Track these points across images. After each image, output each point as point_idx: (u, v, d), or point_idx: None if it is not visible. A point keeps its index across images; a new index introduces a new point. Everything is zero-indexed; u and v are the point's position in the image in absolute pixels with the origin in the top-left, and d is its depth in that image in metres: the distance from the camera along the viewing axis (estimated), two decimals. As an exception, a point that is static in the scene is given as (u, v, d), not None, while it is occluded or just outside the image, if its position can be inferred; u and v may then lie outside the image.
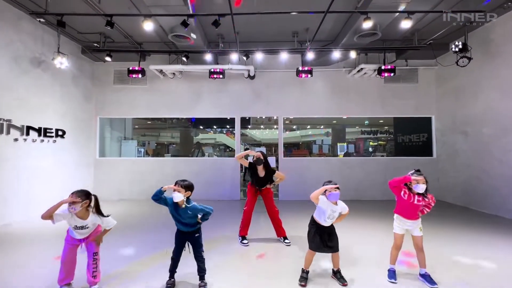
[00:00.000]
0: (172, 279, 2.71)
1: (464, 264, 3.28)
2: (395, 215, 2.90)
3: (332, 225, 2.85)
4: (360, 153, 11.82)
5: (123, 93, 7.79)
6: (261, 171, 3.98)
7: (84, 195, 2.43)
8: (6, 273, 3.04)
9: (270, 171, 3.98)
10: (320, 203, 2.75)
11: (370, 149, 13.72)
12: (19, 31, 5.27)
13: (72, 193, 2.40)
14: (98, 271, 2.56)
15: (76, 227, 2.46)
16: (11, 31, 5.11)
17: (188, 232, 2.68)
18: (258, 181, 4.02)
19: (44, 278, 2.85)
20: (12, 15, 5.12)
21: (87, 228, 2.49)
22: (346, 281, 2.74)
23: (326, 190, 2.74)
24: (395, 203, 2.92)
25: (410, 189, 2.77)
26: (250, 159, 4.28)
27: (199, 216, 2.62)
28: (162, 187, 2.58)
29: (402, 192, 2.79)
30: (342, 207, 2.79)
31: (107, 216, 2.56)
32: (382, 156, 9.70)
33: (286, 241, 3.97)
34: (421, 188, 2.69)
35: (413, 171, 2.80)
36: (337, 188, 2.73)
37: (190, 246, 2.72)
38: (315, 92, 7.76)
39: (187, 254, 2.70)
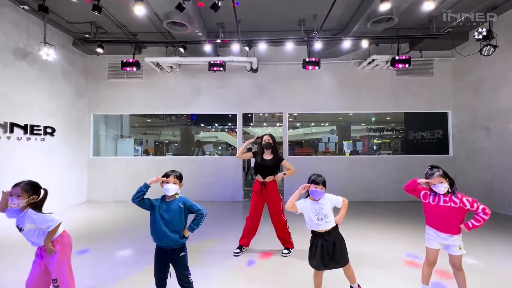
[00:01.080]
0: None
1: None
2: (427, 227, 2.43)
3: (335, 231, 2.34)
4: (365, 151, 11.33)
5: (118, 89, 7.33)
6: (268, 155, 3.59)
7: (32, 188, 1.89)
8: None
9: (278, 156, 3.60)
10: (300, 210, 2.38)
11: (374, 147, 13.24)
12: (0, 20, 4.82)
13: (15, 185, 1.85)
14: None
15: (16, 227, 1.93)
16: (-9, 19, 4.67)
17: (171, 249, 2.13)
18: (263, 166, 3.56)
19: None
20: (-9, 2, 4.68)
21: (22, 230, 1.92)
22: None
23: (308, 190, 2.37)
24: (413, 205, 2.44)
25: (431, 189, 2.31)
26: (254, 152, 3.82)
27: (193, 212, 2.18)
28: (146, 182, 2.14)
29: (422, 194, 2.34)
30: (327, 200, 2.38)
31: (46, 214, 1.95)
32: (388, 154, 9.18)
33: (284, 251, 3.51)
34: (440, 188, 2.22)
35: (428, 168, 2.34)
36: (320, 185, 2.34)
37: (172, 269, 2.18)
38: (323, 86, 7.25)
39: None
